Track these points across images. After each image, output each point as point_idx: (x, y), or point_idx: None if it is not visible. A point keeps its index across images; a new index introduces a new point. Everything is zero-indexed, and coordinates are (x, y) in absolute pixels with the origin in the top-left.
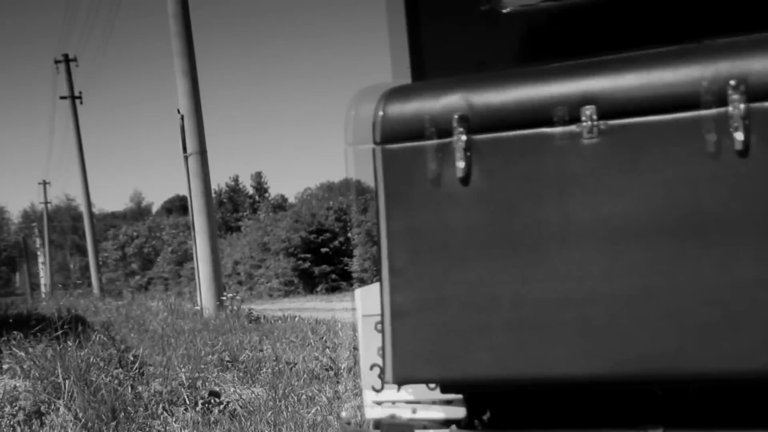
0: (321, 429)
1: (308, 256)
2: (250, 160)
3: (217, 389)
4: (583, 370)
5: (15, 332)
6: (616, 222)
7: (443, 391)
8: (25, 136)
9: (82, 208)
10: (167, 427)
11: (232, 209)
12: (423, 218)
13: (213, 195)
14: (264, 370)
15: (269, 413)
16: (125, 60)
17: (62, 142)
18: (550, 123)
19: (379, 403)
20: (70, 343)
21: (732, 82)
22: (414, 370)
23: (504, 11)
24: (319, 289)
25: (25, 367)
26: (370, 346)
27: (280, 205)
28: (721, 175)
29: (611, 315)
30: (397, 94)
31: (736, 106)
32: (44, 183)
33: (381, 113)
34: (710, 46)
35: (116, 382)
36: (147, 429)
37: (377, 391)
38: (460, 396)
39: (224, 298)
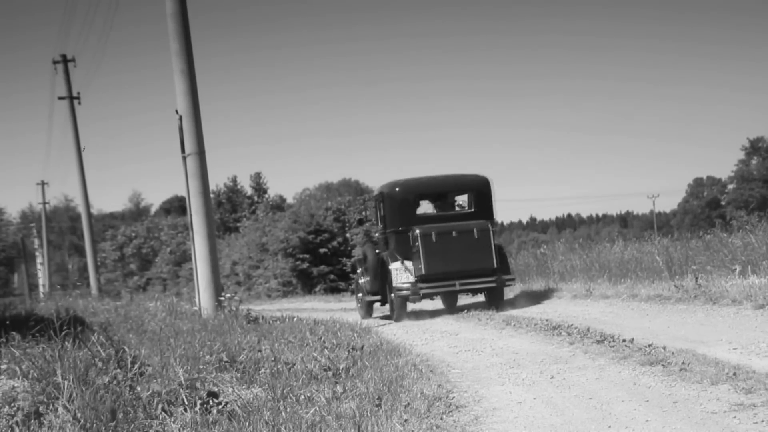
0: (319, 429)
1: (306, 256)
2: (248, 160)
3: (216, 389)
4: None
5: (13, 333)
6: None
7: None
8: (23, 137)
9: (81, 209)
10: (166, 428)
11: (230, 209)
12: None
13: (211, 195)
14: (262, 370)
15: (268, 413)
16: (124, 60)
17: (60, 142)
18: None
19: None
20: (68, 344)
21: None
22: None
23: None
24: (317, 289)
25: (23, 367)
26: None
27: (279, 205)
28: None
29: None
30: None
31: None
32: (42, 183)
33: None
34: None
35: (115, 382)
36: (145, 429)
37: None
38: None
39: (222, 298)
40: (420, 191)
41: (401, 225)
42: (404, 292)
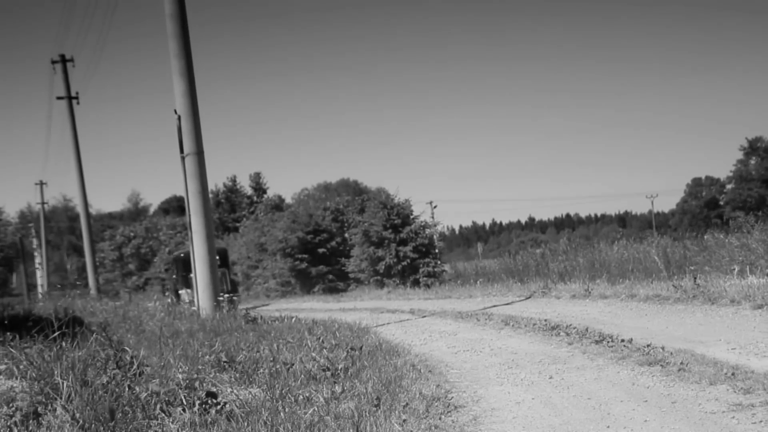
0: (318, 430)
1: (305, 256)
2: (248, 160)
3: (215, 390)
4: None
5: (12, 333)
6: None
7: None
8: (22, 137)
9: (79, 209)
10: (164, 428)
11: (229, 209)
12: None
13: (210, 195)
14: (261, 370)
15: (266, 414)
16: (122, 60)
17: (59, 142)
18: None
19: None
20: (67, 344)
21: None
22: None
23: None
24: (316, 289)
25: (21, 367)
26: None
27: (278, 205)
28: None
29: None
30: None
31: None
32: (41, 183)
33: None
34: None
35: (113, 382)
36: (144, 430)
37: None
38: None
39: (221, 298)
40: None
41: (184, 272)
42: (186, 303)
